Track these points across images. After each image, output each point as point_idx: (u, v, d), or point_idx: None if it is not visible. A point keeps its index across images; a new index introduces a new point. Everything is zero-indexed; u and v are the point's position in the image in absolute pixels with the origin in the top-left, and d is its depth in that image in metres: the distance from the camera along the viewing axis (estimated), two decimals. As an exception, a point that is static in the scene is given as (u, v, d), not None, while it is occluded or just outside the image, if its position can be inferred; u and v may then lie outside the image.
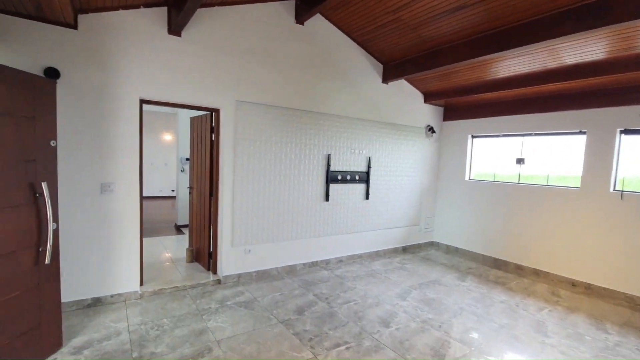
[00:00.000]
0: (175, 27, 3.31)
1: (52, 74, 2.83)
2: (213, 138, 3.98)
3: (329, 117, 4.63)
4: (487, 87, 4.75)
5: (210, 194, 4.05)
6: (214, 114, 3.93)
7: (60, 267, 2.50)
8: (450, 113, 6.04)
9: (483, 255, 5.44)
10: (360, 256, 5.24)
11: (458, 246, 5.85)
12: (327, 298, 3.68)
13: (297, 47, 4.24)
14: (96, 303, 3.21)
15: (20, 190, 2.11)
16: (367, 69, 4.93)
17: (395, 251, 5.69)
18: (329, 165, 4.67)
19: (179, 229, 6.51)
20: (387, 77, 5.05)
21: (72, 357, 2.41)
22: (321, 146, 4.60)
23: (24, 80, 2.13)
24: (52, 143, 2.31)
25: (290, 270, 4.47)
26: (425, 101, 5.75)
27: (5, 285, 2.04)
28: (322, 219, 4.71)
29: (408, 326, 3.13)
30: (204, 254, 4.26)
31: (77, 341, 2.61)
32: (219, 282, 3.93)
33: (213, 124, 3.97)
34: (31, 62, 2.77)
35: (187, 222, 6.62)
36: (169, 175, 10.60)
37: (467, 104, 5.70)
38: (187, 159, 6.45)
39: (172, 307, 3.27)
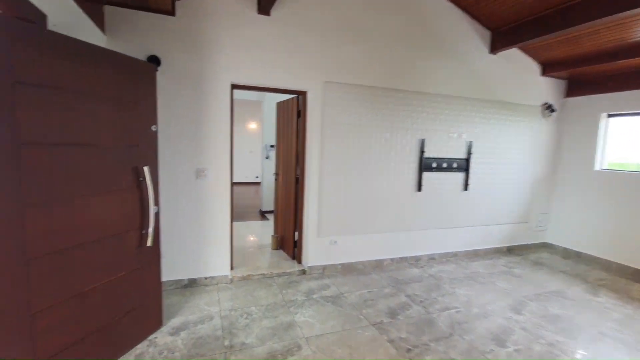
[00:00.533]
0: (264, 5, 3.15)
1: (154, 62, 2.91)
2: (299, 123, 3.80)
3: (425, 96, 4.08)
4: (632, 51, 3.65)
5: (296, 181, 3.91)
6: (300, 97, 3.74)
7: (161, 249, 2.57)
8: (577, 87, 4.90)
9: (618, 264, 4.35)
10: (455, 254, 4.63)
11: (580, 250, 4.79)
12: (422, 301, 3.25)
13: (390, 20, 3.77)
14: (192, 284, 3.33)
15: (126, 174, 2.16)
16: (471, 38, 4.21)
17: (497, 251, 4.91)
18: (422, 151, 4.15)
19: (263, 215, 6.68)
20: (495, 47, 4.25)
21: (171, 338, 2.47)
22: (414, 130, 4.09)
23: (130, 65, 2.14)
24: (153, 128, 2.33)
25: (377, 265, 4.13)
26: (543, 73, 4.75)
27: (113, 265, 2.12)
28: (413, 210, 4.24)
29: (530, 348, 2.54)
30: (288, 242, 4.18)
31: (175, 322, 2.69)
32: (303, 272, 3.80)
33: (300, 108, 3.78)
34: (136, 52, 2.88)
35: (271, 208, 6.74)
36: (254, 163, 11.09)
37: (602, 74, 4.53)
38: (271, 146, 6.53)
39: (259, 295, 3.22)
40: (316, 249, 3.82)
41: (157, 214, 2.34)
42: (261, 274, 3.64)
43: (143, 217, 2.29)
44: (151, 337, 2.47)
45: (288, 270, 3.76)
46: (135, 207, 2.23)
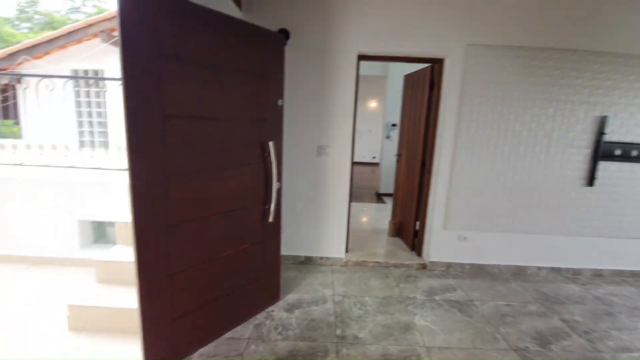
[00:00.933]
0: (401, -43, 2.71)
1: (284, 35, 2.85)
2: (432, 97, 3.28)
3: (609, 57, 2.98)
4: None
5: (422, 164, 3.45)
6: (435, 66, 3.20)
7: (282, 224, 2.57)
8: None
9: None
10: (635, 274, 3.43)
11: None
12: (586, 332, 2.47)
13: (571, -49, 2.80)
14: (308, 261, 3.34)
15: (254, 149, 2.15)
16: None
17: None
18: (601, 132, 3.09)
19: (379, 197, 6.40)
20: None
21: (286, 314, 2.47)
22: (591, 104, 3.06)
23: (264, 38, 2.08)
24: (279, 102, 2.26)
25: (518, 273, 3.38)
26: None
27: (240, 236, 2.19)
28: (579, 210, 3.26)
29: None
30: (408, 230, 3.80)
31: (291, 298, 2.71)
32: (424, 266, 3.39)
33: (433, 79, 3.25)
34: (268, 26, 2.86)
35: (389, 191, 6.41)
36: (372, 142, 10.81)
37: None
38: (393, 125, 6.09)
39: (374, 285, 2.99)
40: (440, 242, 3.33)
41: (279, 191, 2.31)
42: (376, 262, 3.40)
43: (267, 192, 2.28)
44: (269, 309, 2.53)
45: (406, 262, 3.41)
46: (260, 182, 2.23)
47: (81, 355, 2.03)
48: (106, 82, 3.77)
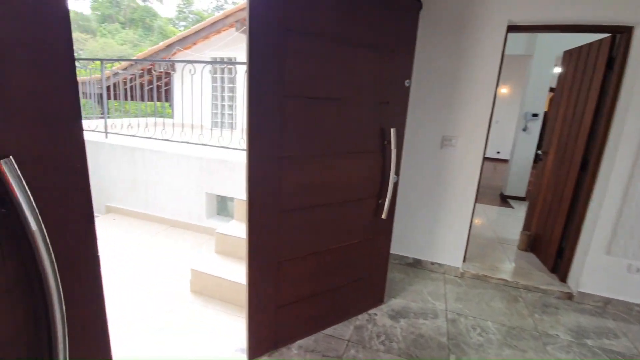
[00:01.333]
0: None
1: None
2: (609, 78, 2.46)
3: None
4: None
5: (583, 166, 2.67)
6: (618, 37, 2.37)
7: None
8: None
9: None
10: None
11: None
12: None
13: None
14: (416, 265, 3.00)
15: (374, 135, 1.92)
16: None
17: None
18: None
19: (504, 200, 5.46)
20: None
21: (389, 322, 2.23)
22: None
23: (394, 5, 1.79)
24: (406, 83, 1.95)
25: None
26: None
27: (350, 230, 2.01)
28: None
29: None
30: (548, 247, 3.05)
31: (396, 303, 2.44)
32: (569, 296, 2.66)
33: (614, 54, 2.43)
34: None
35: (519, 194, 5.43)
36: (498, 134, 9.37)
37: None
38: (533, 115, 5.03)
39: (498, 308, 2.47)
40: (599, 270, 2.55)
41: (395, 184, 2.03)
42: (502, 279, 2.83)
43: (382, 185, 2.03)
44: (371, 311, 2.33)
45: (543, 287, 2.74)
46: (377, 173, 2.00)
47: (197, 317, 2.20)
48: (237, 67, 4.07)
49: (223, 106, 7.02)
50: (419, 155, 2.77)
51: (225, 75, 6.73)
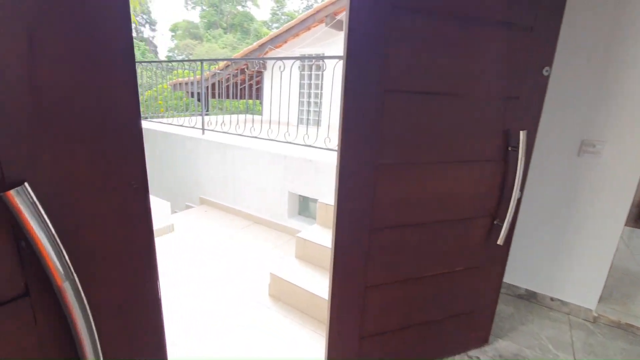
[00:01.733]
0: None
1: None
2: None
3: None
4: None
5: None
6: None
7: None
8: None
9: None
10: None
11: None
12: None
13: None
14: (530, 298, 2.42)
15: (493, 140, 1.51)
16: None
17: None
18: None
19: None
20: None
21: (499, 372, 1.79)
22: None
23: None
24: (544, 72, 1.48)
25: None
26: None
27: (452, 255, 1.64)
28: None
29: None
30: None
31: (503, 346, 1.97)
32: None
33: None
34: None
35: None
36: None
37: None
38: None
39: (660, 378, 1.81)
40: None
41: (518, 202, 1.58)
42: (660, 335, 2.10)
43: (499, 202, 1.61)
44: (472, 353, 1.91)
45: None
46: (494, 187, 1.58)
47: (275, 324, 2.09)
48: (325, 62, 3.93)
49: (309, 103, 7.03)
50: (546, 164, 2.19)
51: (313, 72, 6.71)
